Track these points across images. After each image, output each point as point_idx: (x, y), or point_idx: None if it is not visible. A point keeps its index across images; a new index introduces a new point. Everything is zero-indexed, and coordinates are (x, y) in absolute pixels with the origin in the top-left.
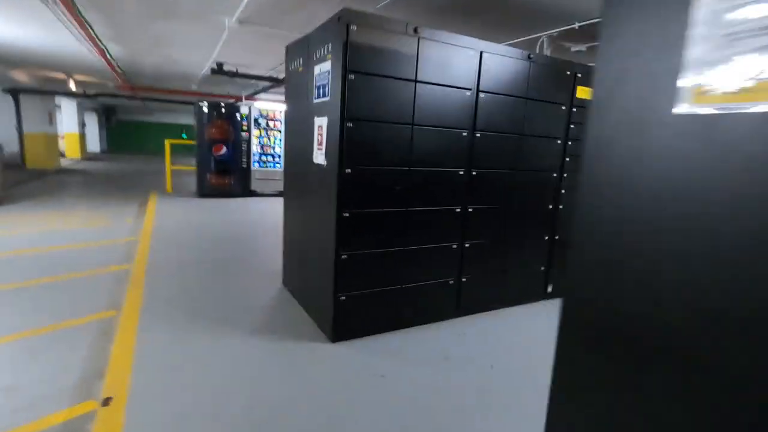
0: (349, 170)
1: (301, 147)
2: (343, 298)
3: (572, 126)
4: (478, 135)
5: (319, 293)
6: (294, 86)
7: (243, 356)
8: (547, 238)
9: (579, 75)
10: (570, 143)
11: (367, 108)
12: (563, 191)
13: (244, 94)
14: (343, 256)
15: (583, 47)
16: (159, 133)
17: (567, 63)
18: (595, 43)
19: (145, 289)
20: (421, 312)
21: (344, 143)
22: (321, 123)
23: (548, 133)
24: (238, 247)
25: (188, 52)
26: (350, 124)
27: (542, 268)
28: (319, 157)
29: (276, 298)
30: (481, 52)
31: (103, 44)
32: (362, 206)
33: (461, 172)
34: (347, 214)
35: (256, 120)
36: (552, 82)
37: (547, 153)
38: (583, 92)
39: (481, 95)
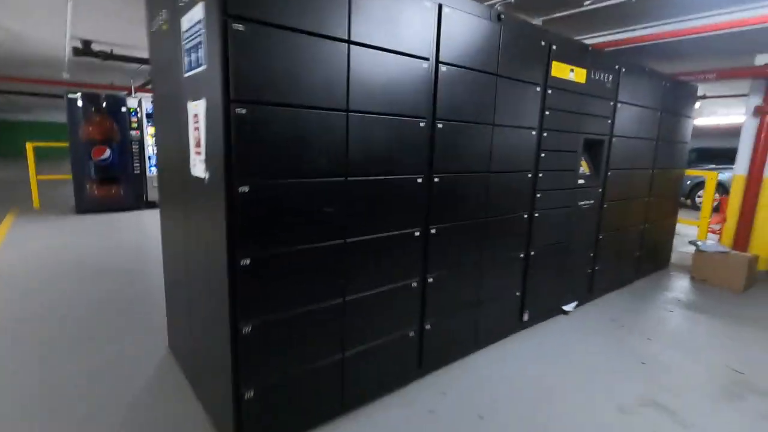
0: (245, 188)
1: (175, 150)
2: (251, 394)
3: (547, 112)
4: (440, 125)
5: (215, 381)
6: (158, 55)
7: None
8: (522, 255)
9: (554, 47)
10: (545, 134)
11: (270, 82)
12: (538, 195)
13: (134, 85)
14: (246, 330)
15: (539, 20)
16: (35, 133)
17: (542, 31)
18: (558, 14)
19: None
20: (371, 383)
21: (233, 142)
22: (197, 110)
23: (522, 122)
24: (116, 286)
25: (32, 23)
26: (241, 110)
27: (518, 293)
28: (197, 167)
29: (156, 372)
30: (440, 5)
31: None
32: (272, 244)
33: (420, 180)
34: (247, 261)
35: (149, 115)
36: (525, 55)
37: (521, 147)
38: (559, 69)
39: (442, 68)
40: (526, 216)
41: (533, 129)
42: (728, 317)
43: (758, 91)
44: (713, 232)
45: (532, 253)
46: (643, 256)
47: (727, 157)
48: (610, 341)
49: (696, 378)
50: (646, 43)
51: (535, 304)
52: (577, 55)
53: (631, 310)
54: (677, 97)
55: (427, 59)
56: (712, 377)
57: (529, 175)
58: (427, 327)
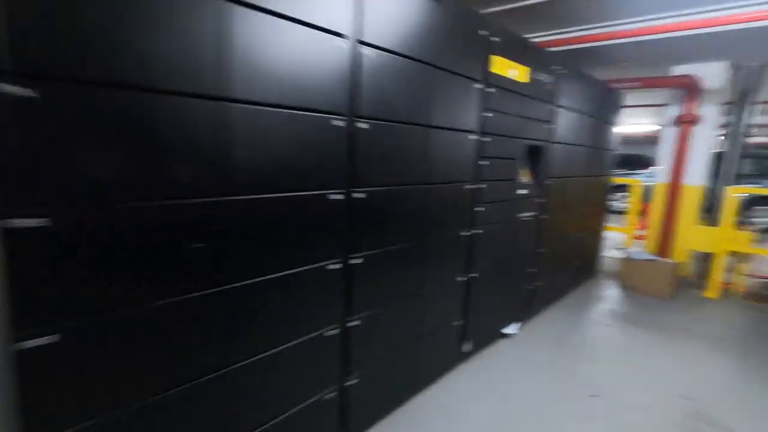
0: (41, 221)
1: None
2: None
3: (489, 114)
4: (363, 125)
5: None
6: None
7: None
8: (463, 279)
9: (495, 39)
10: (487, 139)
11: (82, 45)
12: (481, 209)
13: None
14: None
15: (490, 9)
16: None
17: (480, 18)
18: (495, 9)
19: None
20: None
21: (12, 143)
22: None
23: (461, 124)
24: None
25: None
26: (24, 89)
27: (458, 322)
28: None
29: None
30: None
31: None
32: (100, 309)
33: (337, 196)
34: (40, 343)
35: None
36: (466, 45)
37: (460, 154)
38: (501, 65)
39: (366, 51)
40: (466, 234)
41: (473, 133)
42: (662, 329)
43: (677, 101)
44: (638, 238)
45: (473, 275)
46: (578, 266)
47: (634, 163)
48: (556, 369)
49: (649, 412)
50: (582, 45)
51: (476, 332)
52: (519, 51)
53: (571, 328)
54: (607, 104)
55: (342, 36)
56: (664, 409)
57: (469, 187)
58: (353, 382)
